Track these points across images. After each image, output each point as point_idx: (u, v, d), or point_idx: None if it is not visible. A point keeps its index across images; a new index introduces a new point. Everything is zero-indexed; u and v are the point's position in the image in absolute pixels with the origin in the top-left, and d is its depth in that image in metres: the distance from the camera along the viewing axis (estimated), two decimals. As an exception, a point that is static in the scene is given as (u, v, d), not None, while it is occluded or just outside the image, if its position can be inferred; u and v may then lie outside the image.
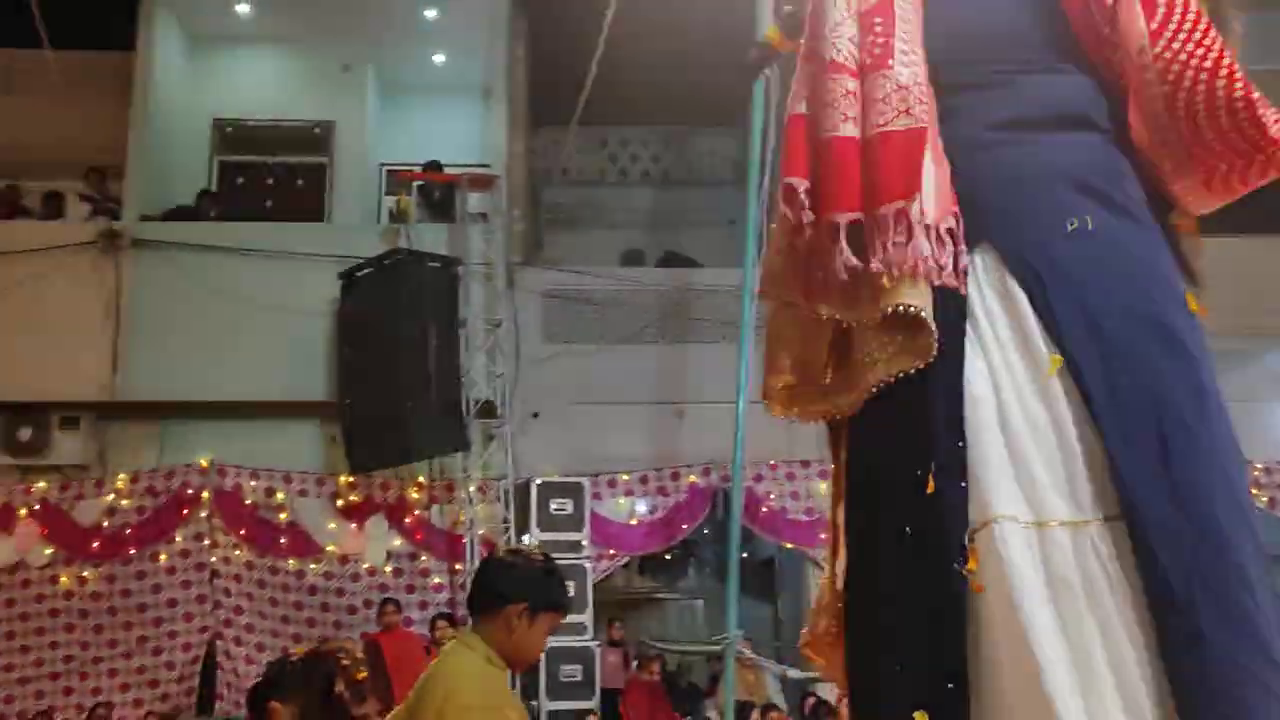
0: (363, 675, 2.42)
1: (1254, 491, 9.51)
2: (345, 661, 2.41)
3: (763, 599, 10.94)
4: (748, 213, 6.62)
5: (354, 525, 9.45)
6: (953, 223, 1.80)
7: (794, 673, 6.12)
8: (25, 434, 9.25)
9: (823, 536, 10.23)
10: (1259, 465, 9.82)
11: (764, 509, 9.61)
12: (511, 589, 2.54)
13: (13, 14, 9.47)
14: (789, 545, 9.84)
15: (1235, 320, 9.44)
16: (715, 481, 9.71)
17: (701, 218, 11.99)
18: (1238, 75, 1.72)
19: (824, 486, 9.64)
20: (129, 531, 9.23)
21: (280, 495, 9.45)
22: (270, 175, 11.14)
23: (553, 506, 8.97)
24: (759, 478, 9.61)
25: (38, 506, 9.19)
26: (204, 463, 9.40)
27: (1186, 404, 1.72)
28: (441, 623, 8.47)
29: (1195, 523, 1.64)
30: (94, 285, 9.53)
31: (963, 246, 1.81)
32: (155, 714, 8.16)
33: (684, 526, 9.70)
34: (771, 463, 9.73)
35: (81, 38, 10.38)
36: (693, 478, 9.76)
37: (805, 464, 9.79)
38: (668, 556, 10.60)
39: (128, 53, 10.49)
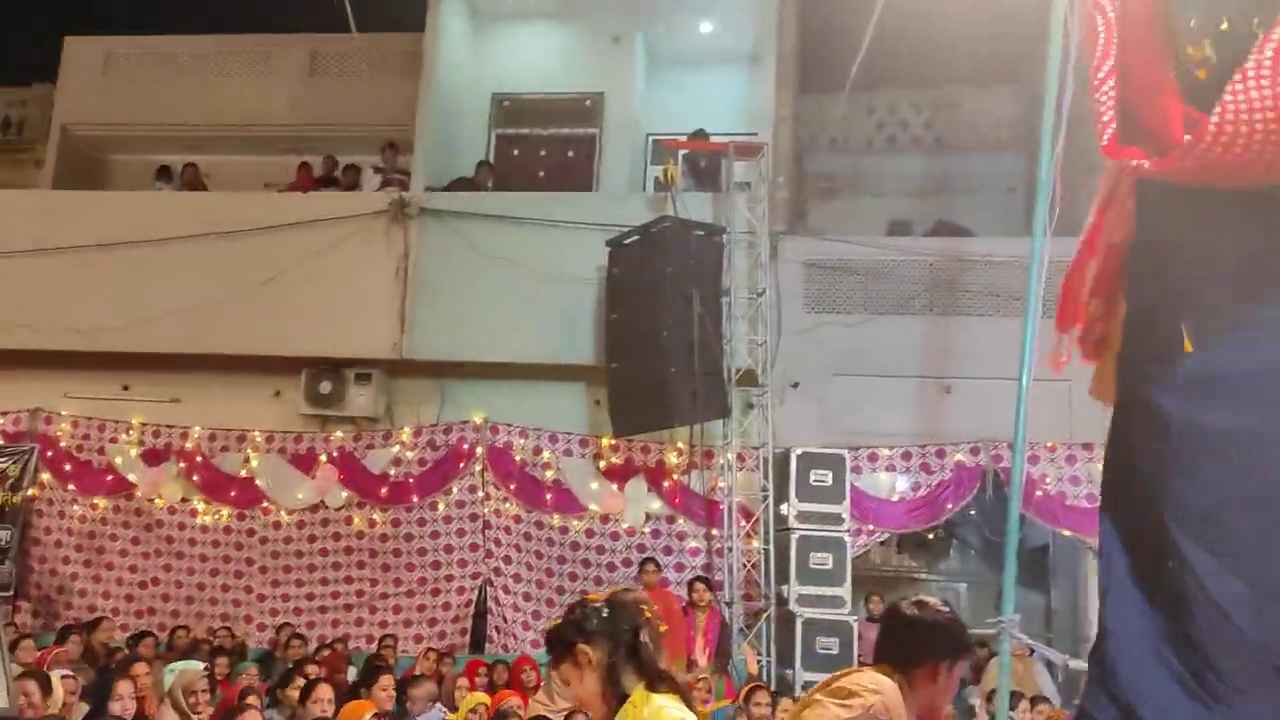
0: (664, 629, 2.45)
1: None
2: (648, 613, 2.44)
3: (1035, 588, 10.34)
4: (1039, 177, 6.17)
5: (615, 486, 9.72)
6: None
7: (1075, 663, 5.68)
8: (325, 387, 10.10)
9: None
10: None
11: (1039, 492, 9.06)
12: (941, 644, 2.67)
13: (319, 1, 10.33)
14: (1066, 532, 9.23)
15: None
16: (984, 461, 9.26)
17: (975, 184, 11.41)
18: None
19: (1107, 472, 9.03)
20: (412, 481, 9.92)
21: (547, 454, 9.85)
22: (543, 147, 11.57)
23: (812, 477, 8.84)
24: (1035, 459, 9.05)
25: (335, 454, 10.04)
26: (479, 420, 9.94)
27: None
28: (699, 585, 8.56)
29: None
30: (385, 252, 10.25)
31: None
32: (433, 650, 8.73)
33: (949, 506, 9.31)
34: (1049, 444, 9.16)
35: (379, 21, 11.18)
36: (959, 456, 9.35)
37: (1088, 447, 9.14)
38: (930, 536, 10.23)
39: (418, 33, 11.18)
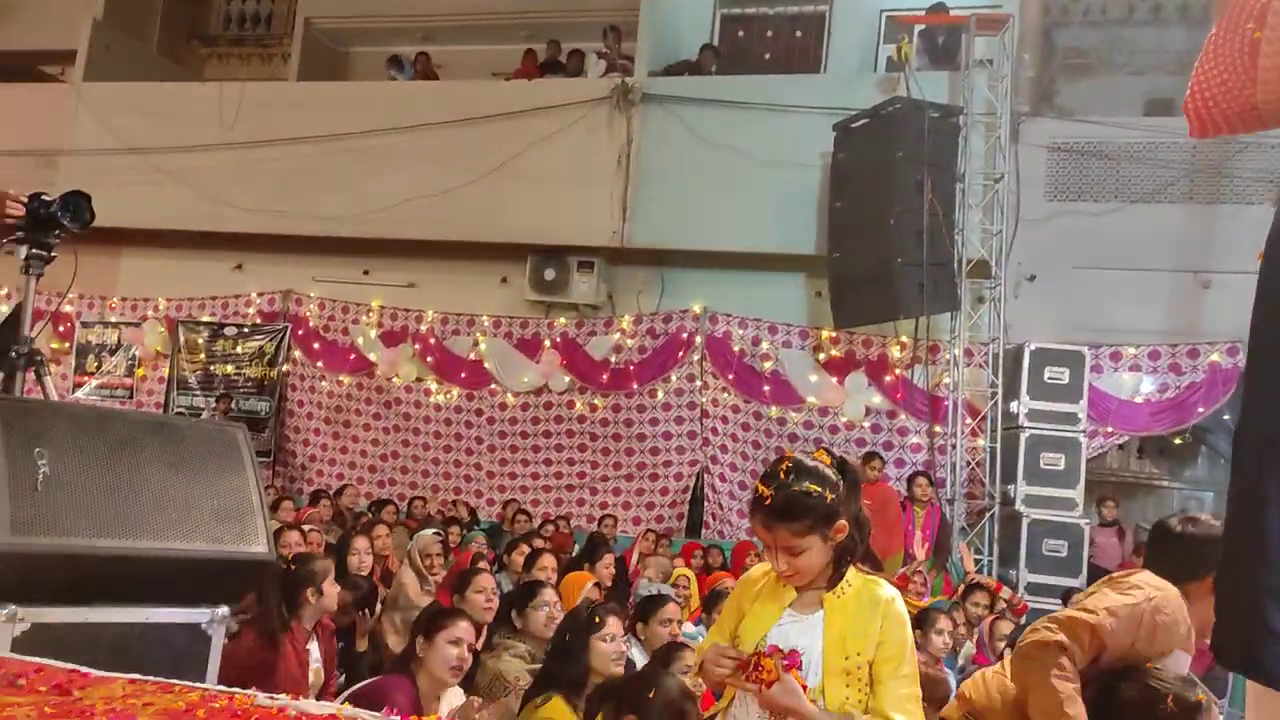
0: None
1: None
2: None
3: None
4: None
5: (834, 379, 9.54)
6: None
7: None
8: (549, 274, 10.34)
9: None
10: None
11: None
12: (1215, 559, 2.48)
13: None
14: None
15: None
16: (1242, 362, 8.45)
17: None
18: None
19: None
20: (632, 368, 10.09)
21: (765, 345, 9.76)
22: (769, 27, 11.17)
23: (1046, 375, 8.36)
24: (1303, 362, 8.18)
25: (558, 339, 10.32)
26: (698, 309, 9.94)
27: None
28: (921, 480, 8.34)
29: None
30: (608, 139, 10.26)
31: None
32: (652, 532, 8.96)
33: (1199, 410, 8.62)
34: (1322, 346, 8.25)
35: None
36: (1215, 356, 8.59)
37: (1370, 350, 8.18)
38: (1175, 441, 9.52)
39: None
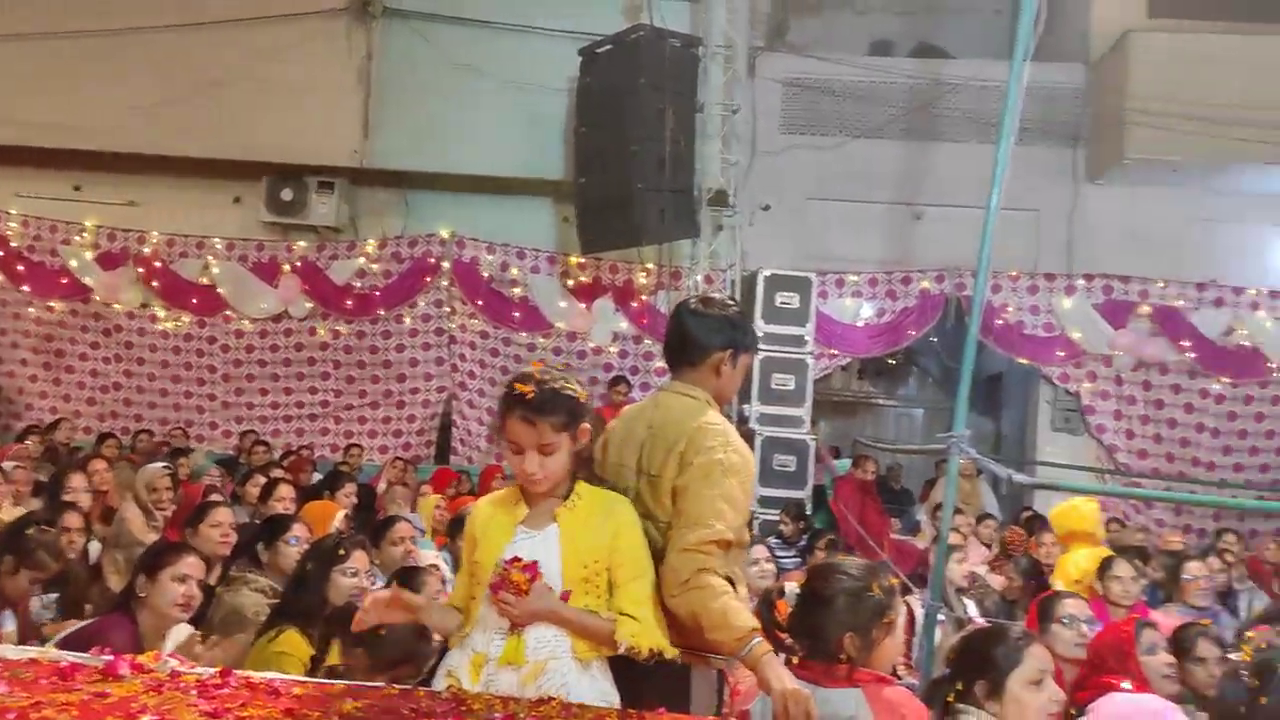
0: None
1: None
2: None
3: (986, 414, 10.61)
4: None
5: (582, 305, 9.68)
6: None
7: (1019, 477, 5.84)
8: (287, 195, 9.82)
9: (1059, 355, 9.79)
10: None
11: (999, 321, 9.16)
12: (716, 337, 2.59)
13: None
14: (1023, 360, 9.40)
15: None
16: (949, 289, 9.30)
17: (960, 5, 11.01)
18: None
19: (1068, 302, 9.15)
20: (376, 293, 9.81)
21: (514, 270, 9.75)
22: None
23: (778, 299, 8.82)
24: (997, 288, 9.13)
25: (298, 263, 9.86)
26: (445, 233, 9.76)
27: None
28: (621, 385, 8.69)
29: None
30: (347, 53, 9.79)
31: None
32: (400, 459, 8.84)
33: (911, 333, 9.40)
34: (1013, 274, 9.22)
35: None
36: (925, 283, 9.37)
37: (1050, 277, 9.23)
38: (891, 362, 10.36)
39: None
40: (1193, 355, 9.12)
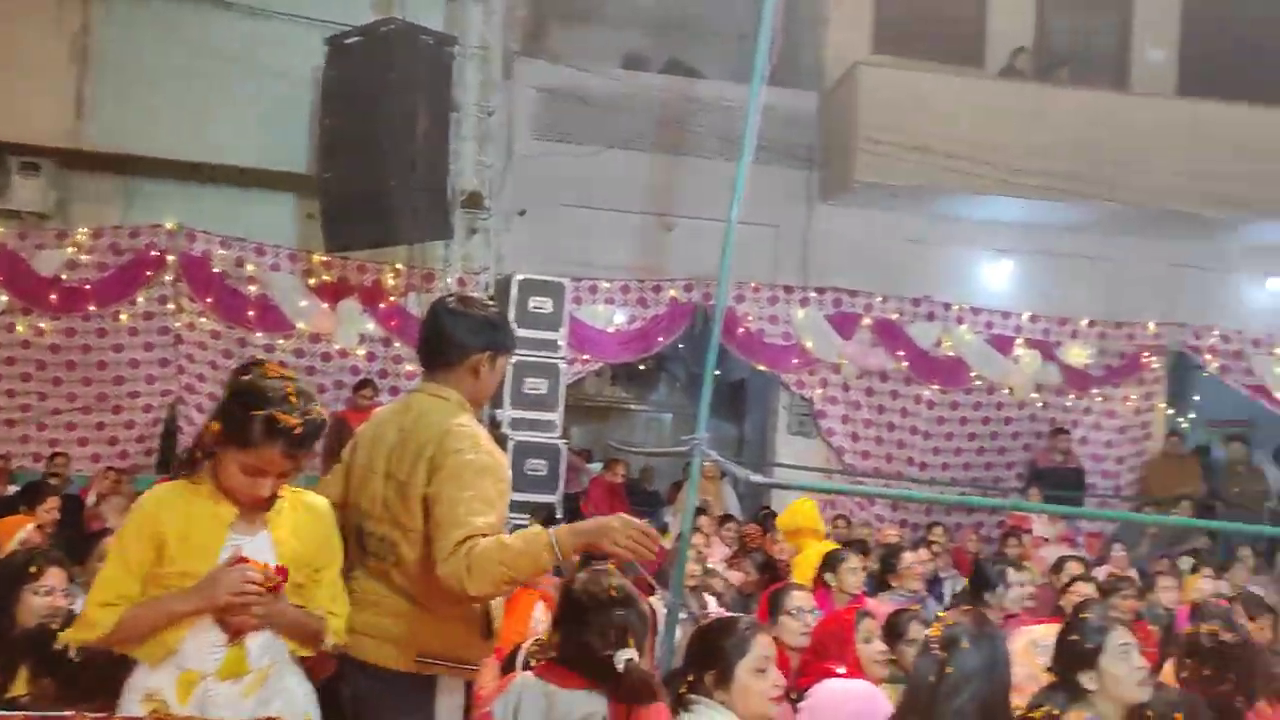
0: None
1: (1207, 356, 9.73)
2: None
3: (730, 419, 11.07)
4: (759, 23, 6.21)
5: (326, 305, 9.29)
6: None
7: (755, 477, 6.17)
8: (-17, 174, 8.83)
9: (795, 362, 10.28)
10: (1217, 332, 10.00)
11: (742, 329, 9.59)
12: (476, 338, 2.58)
13: None
14: (763, 367, 9.88)
15: (1220, 190, 9.42)
16: (697, 298, 9.62)
17: (710, 27, 11.45)
18: None
19: (802, 313, 9.70)
20: (89, 287, 8.96)
21: (251, 267, 9.21)
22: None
23: (532, 304, 8.79)
24: (740, 298, 9.56)
25: (-4, 251, 8.87)
26: (171, 225, 9.08)
27: None
28: (365, 389, 8.51)
29: None
30: (57, 23, 8.92)
31: None
32: (114, 470, 8.13)
33: (660, 339, 9.67)
34: (754, 285, 9.67)
35: None
36: (674, 292, 9.66)
37: (788, 289, 9.76)
38: (641, 368, 10.61)
39: None
40: (908, 364, 9.90)
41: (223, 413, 2.28)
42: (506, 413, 8.61)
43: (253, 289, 9.18)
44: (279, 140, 9.03)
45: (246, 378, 2.31)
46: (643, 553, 2.32)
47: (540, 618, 4.73)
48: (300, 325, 9.25)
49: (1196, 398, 11.11)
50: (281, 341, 9.23)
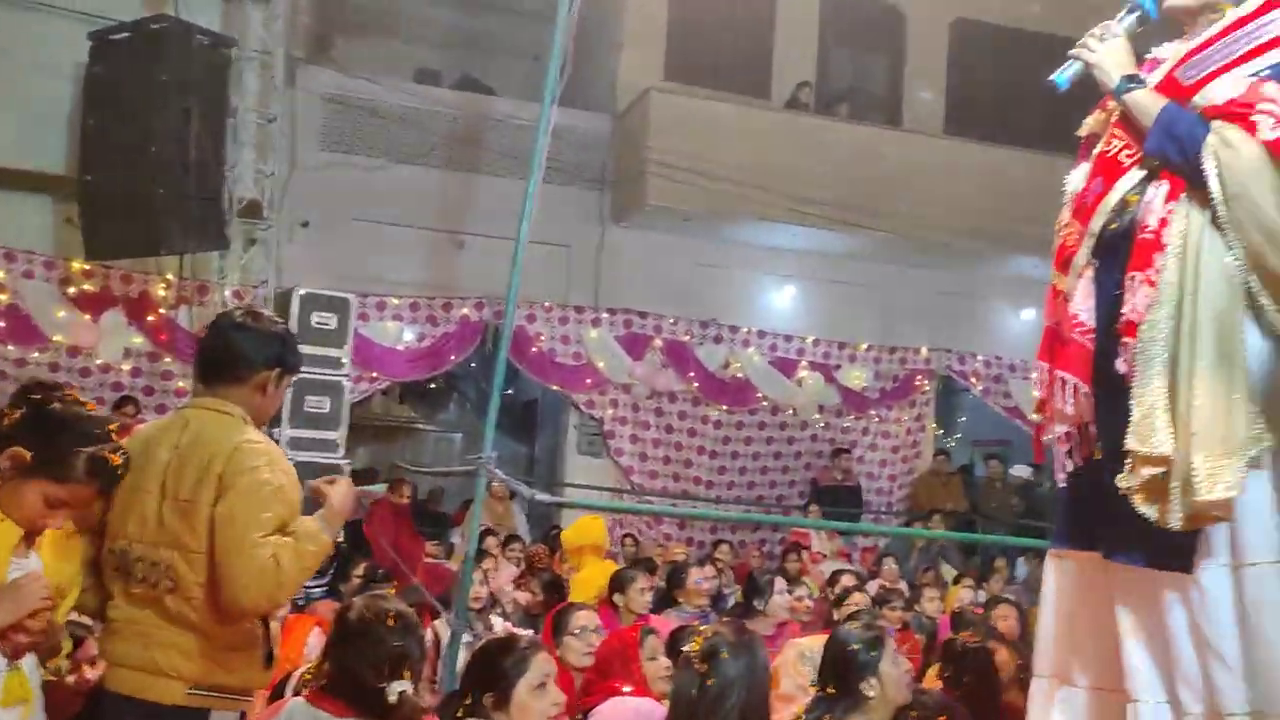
0: None
1: (972, 380, 10.44)
2: None
3: (521, 439, 11.00)
4: (552, 45, 6.25)
5: (87, 317, 8.63)
6: None
7: (542, 496, 6.15)
8: None
9: (586, 382, 10.30)
10: (980, 357, 10.74)
11: (534, 349, 9.56)
12: (264, 354, 2.52)
13: None
14: (554, 387, 9.87)
15: (981, 225, 10.17)
16: (488, 316, 9.52)
17: (505, 46, 11.43)
18: None
19: (594, 334, 9.76)
20: None
21: (1, 274, 8.45)
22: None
23: (314, 320, 8.47)
24: (532, 318, 9.54)
25: None
26: (-96, 227, 8.23)
27: None
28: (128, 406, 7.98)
29: None
30: None
31: None
32: None
33: (451, 358, 9.51)
34: (546, 304, 9.66)
35: None
36: (465, 310, 9.53)
37: (580, 309, 9.81)
38: (431, 386, 10.40)
39: None
40: (696, 385, 10.13)
41: (31, 442, 2.13)
42: (285, 432, 8.24)
43: (2, 298, 8.42)
44: (35, 138, 8.39)
45: (55, 407, 2.18)
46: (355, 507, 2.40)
47: (314, 644, 4.55)
48: (57, 338, 8.56)
49: (962, 419, 11.91)
50: (36, 355, 8.51)
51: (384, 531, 7.82)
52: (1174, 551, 2.03)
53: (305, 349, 8.03)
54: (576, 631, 3.86)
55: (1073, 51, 2.25)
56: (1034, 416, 2.45)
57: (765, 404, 10.41)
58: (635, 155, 10.06)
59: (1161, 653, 2.08)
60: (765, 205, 9.82)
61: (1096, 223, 2.20)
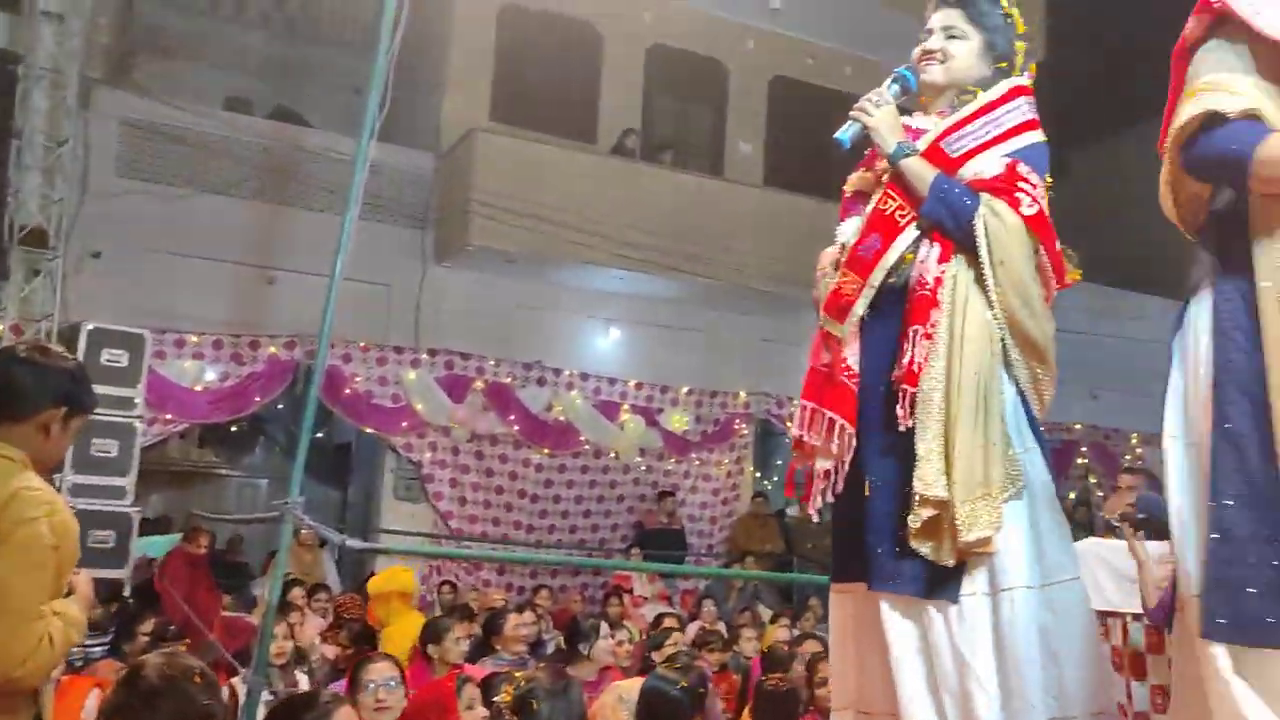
0: None
1: (789, 424, 10.66)
2: None
3: (334, 484, 10.54)
4: (372, 78, 6.08)
5: None
6: None
7: (352, 542, 5.86)
8: None
9: (403, 425, 10.00)
10: (797, 401, 10.97)
11: (348, 390, 9.19)
12: (51, 392, 2.31)
13: None
14: (370, 430, 9.51)
15: (795, 273, 10.52)
16: (299, 356, 9.10)
17: (323, 77, 11.12)
18: None
19: (413, 375, 9.48)
20: None
21: None
22: None
23: (104, 357, 7.82)
24: (348, 358, 9.19)
25: None
26: None
27: None
28: None
29: None
30: None
31: None
32: None
33: (257, 399, 9.02)
34: (363, 344, 9.33)
35: None
36: (274, 349, 9.07)
37: (399, 350, 9.53)
38: (234, 429, 9.82)
39: None
40: (518, 428, 9.96)
41: None
42: (67, 477, 7.58)
43: None
44: None
45: None
46: None
47: (93, 707, 4.16)
48: None
49: (779, 461, 12.18)
50: None
51: (178, 584, 7.27)
52: (940, 581, 2.22)
53: (95, 389, 7.49)
54: (369, 685, 3.70)
55: (852, 113, 2.43)
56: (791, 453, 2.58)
57: (588, 447, 10.34)
58: (459, 194, 9.91)
59: (929, 676, 2.24)
60: (590, 248, 9.84)
61: (876, 276, 2.37)
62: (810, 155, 11.79)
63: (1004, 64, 2.48)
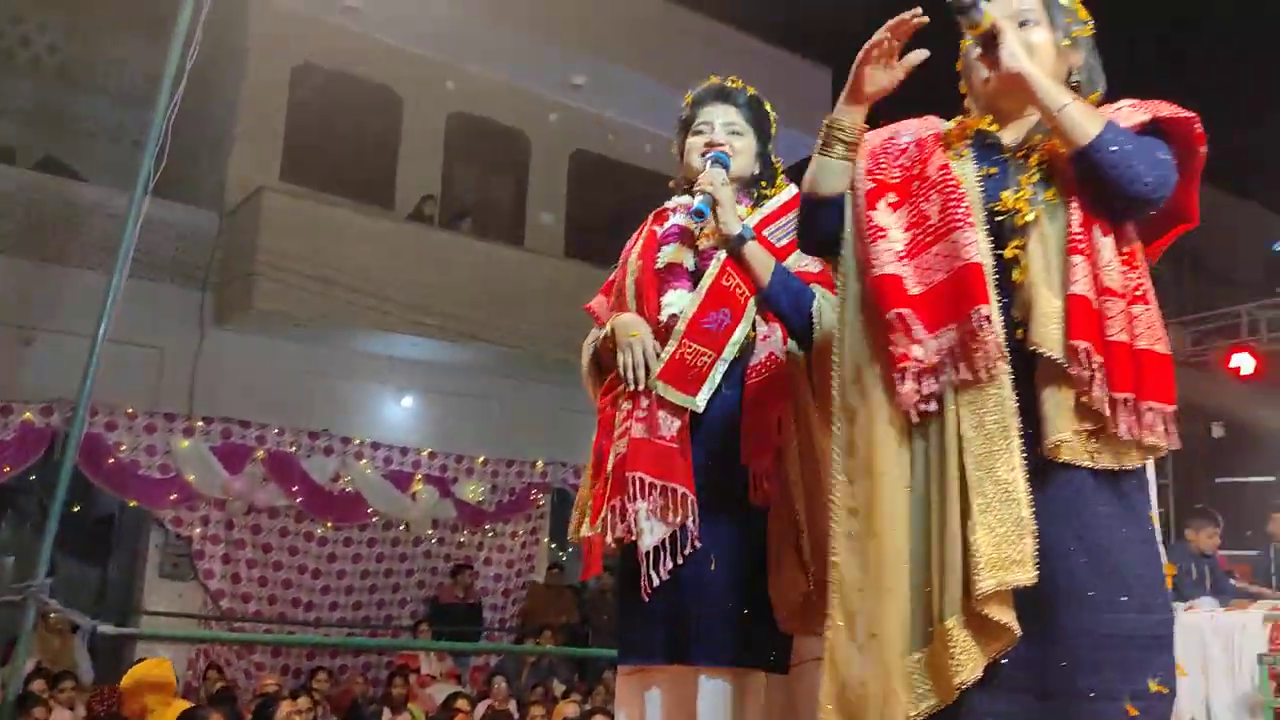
0: None
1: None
2: None
3: (92, 561, 9.70)
4: (150, 132, 5.80)
5: None
6: None
7: (104, 627, 5.38)
8: None
9: (173, 497, 9.44)
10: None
11: (111, 460, 8.55)
12: None
13: None
14: (134, 502, 8.86)
15: (583, 340, 10.64)
16: (56, 423, 8.40)
17: (97, 130, 10.52)
18: None
19: (186, 444, 8.91)
20: None
21: None
22: None
23: None
24: (112, 425, 8.57)
25: None
26: None
27: None
28: None
29: None
30: None
31: None
32: None
33: (6, 469, 8.25)
34: (130, 411, 8.73)
35: None
36: (29, 415, 8.35)
37: (170, 417, 8.98)
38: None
39: None
40: (301, 500, 9.49)
41: None
42: None
43: None
44: None
45: None
46: None
47: None
48: None
49: (576, 532, 12.08)
50: None
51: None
52: (771, 652, 2.32)
53: None
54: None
55: (705, 189, 2.44)
56: (587, 530, 2.54)
57: (376, 519, 9.96)
58: (244, 255, 9.52)
59: None
60: (384, 314, 9.62)
61: (729, 351, 2.45)
62: (610, 228, 12.02)
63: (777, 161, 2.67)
